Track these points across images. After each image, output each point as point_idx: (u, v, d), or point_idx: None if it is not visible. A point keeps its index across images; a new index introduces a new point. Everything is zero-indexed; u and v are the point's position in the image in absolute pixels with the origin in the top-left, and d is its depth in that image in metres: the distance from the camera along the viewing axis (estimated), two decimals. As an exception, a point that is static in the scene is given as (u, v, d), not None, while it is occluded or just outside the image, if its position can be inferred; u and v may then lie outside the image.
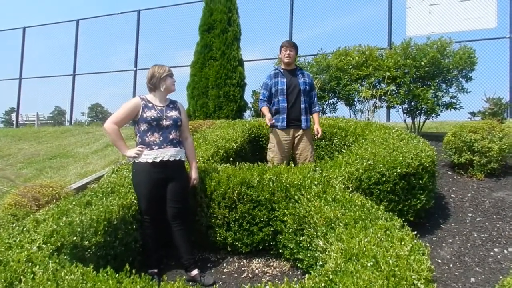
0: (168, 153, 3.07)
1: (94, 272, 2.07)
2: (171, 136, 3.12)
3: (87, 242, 2.55)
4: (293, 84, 4.25)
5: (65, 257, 2.29)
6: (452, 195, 4.44)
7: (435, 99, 6.52)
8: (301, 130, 4.24)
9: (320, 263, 2.48)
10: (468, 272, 3.10)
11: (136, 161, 3.06)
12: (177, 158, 3.13)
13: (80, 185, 5.60)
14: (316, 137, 4.32)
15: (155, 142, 3.07)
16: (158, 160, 3.03)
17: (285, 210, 3.15)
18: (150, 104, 3.14)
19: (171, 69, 3.26)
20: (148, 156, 3.03)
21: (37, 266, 2.05)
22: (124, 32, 14.02)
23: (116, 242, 2.83)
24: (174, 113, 3.20)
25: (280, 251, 3.23)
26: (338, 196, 2.93)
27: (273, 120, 4.16)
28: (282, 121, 4.19)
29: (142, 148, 3.04)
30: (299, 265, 2.99)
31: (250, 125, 5.47)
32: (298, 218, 2.97)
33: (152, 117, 3.07)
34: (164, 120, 3.11)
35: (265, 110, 4.25)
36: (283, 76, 4.28)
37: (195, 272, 3.08)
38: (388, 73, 6.60)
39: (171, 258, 3.40)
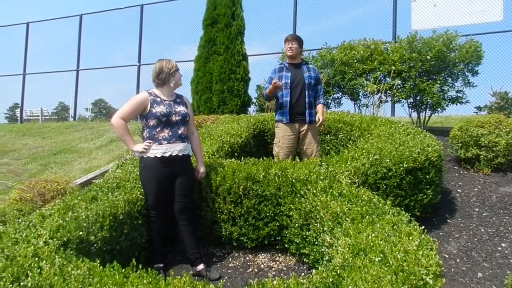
0: (177, 148, 3.06)
1: (101, 267, 2.07)
2: (179, 131, 3.11)
3: (93, 237, 2.55)
4: (298, 78, 4.21)
5: (72, 252, 2.28)
6: (458, 190, 4.41)
7: (441, 93, 6.47)
8: (306, 125, 4.21)
9: (327, 258, 2.46)
10: (476, 267, 3.08)
11: (144, 156, 3.05)
12: (185, 153, 3.14)
13: (85, 180, 5.62)
14: (317, 125, 4.27)
15: (164, 137, 3.05)
16: (167, 155, 3.02)
17: (291, 205, 3.14)
18: (158, 99, 3.12)
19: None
20: (157, 151, 3.02)
21: (44, 261, 2.04)
22: (127, 27, 14.00)
23: (122, 237, 2.83)
24: (182, 108, 3.18)
25: (286, 246, 3.22)
26: (344, 191, 2.91)
27: (277, 119, 4.19)
28: (286, 115, 4.17)
29: (150, 143, 3.03)
30: (305, 260, 2.98)
31: (254, 120, 5.45)
32: (304, 213, 2.95)
33: (162, 112, 3.05)
34: (174, 116, 3.09)
35: (269, 88, 4.16)
36: (287, 70, 4.25)
37: (201, 266, 3.07)
38: (393, 67, 6.55)
39: (177, 253, 3.40)
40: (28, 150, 8.14)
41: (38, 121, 15.73)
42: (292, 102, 4.17)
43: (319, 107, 4.32)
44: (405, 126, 4.51)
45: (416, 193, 3.49)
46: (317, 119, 4.22)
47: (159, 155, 3.01)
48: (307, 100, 4.19)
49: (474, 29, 8.09)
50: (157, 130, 3.06)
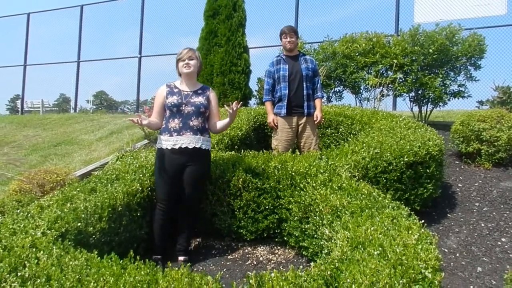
0: (186, 140, 3.03)
1: (98, 258, 2.07)
2: (191, 123, 3.07)
3: (91, 228, 2.55)
4: (295, 70, 4.18)
5: (69, 243, 2.28)
6: (459, 185, 4.39)
7: (443, 87, 6.42)
8: (304, 118, 4.18)
9: (326, 251, 2.46)
10: (475, 262, 3.07)
11: (158, 147, 3.09)
12: (197, 146, 3.06)
13: (85, 172, 5.61)
14: (315, 123, 4.24)
15: (174, 128, 3.05)
16: (177, 147, 3.02)
17: (291, 198, 3.12)
18: (176, 90, 3.15)
19: (190, 52, 3.20)
20: (168, 143, 3.03)
21: (41, 252, 2.04)
22: (128, 18, 13.92)
23: (121, 228, 2.82)
24: (199, 99, 3.15)
25: (285, 238, 3.22)
26: (344, 185, 2.90)
27: (275, 113, 4.22)
28: (283, 109, 4.14)
29: (139, 115, 2.97)
30: (304, 253, 2.98)
31: (255, 112, 5.42)
32: (303, 206, 2.94)
33: (172, 103, 3.07)
34: (185, 106, 3.07)
35: (268, 106, 4.27)
36: (285, 62, 4.21)
37: (181, 258, 3.12)
38: (395, 61, 6.49)
39: (176, 245, 3.39)
40: (27, 140, 8.13)
41: (39, 112, 15.68)
42: (290, 95, 4.14)
43: (317, 102, 4.27)
44: (406, 120, 4.49)
45: (417, 187, 3.48)
46: (315, 117, 4.19)
47: (169, 147, 3.02)
48: (305, 92, 4.16)
49: (477, 23, 8.01)
50: (170, 120, 3.09)
